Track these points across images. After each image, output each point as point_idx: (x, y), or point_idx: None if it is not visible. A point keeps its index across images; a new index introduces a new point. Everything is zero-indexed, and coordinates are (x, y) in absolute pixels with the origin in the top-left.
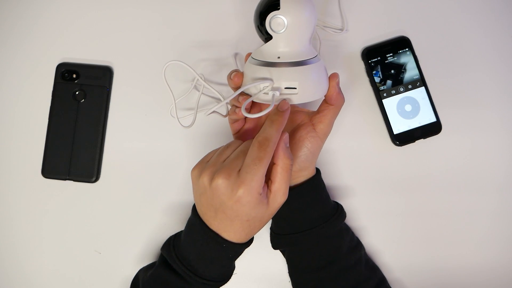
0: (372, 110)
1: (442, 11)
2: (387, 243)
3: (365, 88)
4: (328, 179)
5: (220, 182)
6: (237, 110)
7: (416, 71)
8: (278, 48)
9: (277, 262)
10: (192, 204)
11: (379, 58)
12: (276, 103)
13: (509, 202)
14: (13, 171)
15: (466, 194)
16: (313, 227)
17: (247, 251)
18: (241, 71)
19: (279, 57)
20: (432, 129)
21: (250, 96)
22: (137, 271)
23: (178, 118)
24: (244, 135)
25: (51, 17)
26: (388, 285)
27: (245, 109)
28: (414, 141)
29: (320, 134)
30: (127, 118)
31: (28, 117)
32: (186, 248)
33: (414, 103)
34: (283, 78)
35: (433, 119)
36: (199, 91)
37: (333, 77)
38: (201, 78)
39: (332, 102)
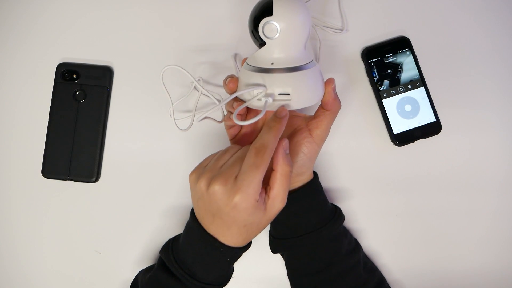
0: (372, 110)
1: (442, 11)
2: (386, 245)
3: (365, 88)
4: (328, 180)
5: (217, 188)
6: (231, 116)
7: (416, 71)
8: (272, 54)
9: (277, 265)
10: (191, 207)
11: (379, 58)
12: (270, 110)
13: (509, 202)
14: (13, 171)
15: (466, 194)
16: (312, 231)
17: (246, 253)
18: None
19: (272, 63)
20: (432, 129)
21: (245, 102)
22: (137, 273)
23: (175, 121)
24: (242, 140)
25: (51, 17)
26: (388, 285)
27: (241, 115)
28: (414, 141)
29: (317, 139)
30: (127, 118)
31: (28, 117)
32: (184, 251)
33: (414, 103)
34: (276, 85)
35: (433, 119)
36: (198, 91)
37: (329, 83)
38: (198, 82)
39: (328, 107)
